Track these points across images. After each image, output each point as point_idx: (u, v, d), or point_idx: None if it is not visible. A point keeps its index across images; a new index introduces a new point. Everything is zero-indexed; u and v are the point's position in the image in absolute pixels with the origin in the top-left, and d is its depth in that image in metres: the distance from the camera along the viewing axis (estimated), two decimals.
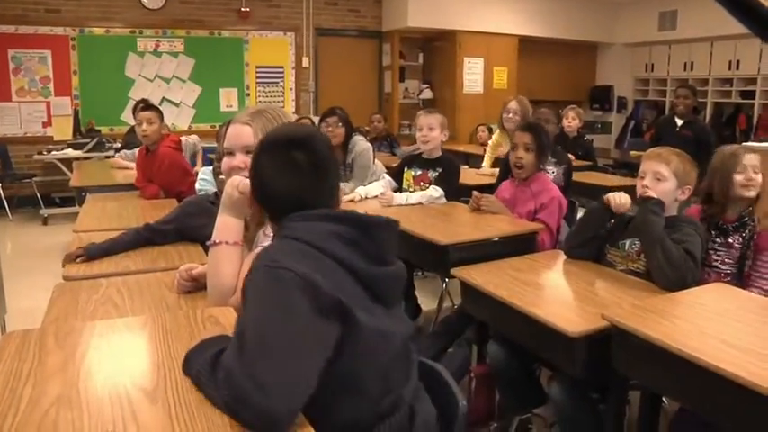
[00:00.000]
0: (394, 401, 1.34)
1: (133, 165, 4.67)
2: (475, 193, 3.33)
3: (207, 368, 1.21)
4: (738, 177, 2.58)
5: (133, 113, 6.32)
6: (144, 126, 4.02)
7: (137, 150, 4.74)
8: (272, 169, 1.43)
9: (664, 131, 5.73)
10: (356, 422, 1.30)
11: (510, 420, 2.65)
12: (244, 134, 1.83)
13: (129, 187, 4.23)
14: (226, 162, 1.88)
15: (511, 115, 5.08)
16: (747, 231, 2.55)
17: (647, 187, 2.46)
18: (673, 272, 2.26)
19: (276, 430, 1.10)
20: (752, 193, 2.56)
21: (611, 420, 2.13)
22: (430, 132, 3.77)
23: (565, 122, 6.00)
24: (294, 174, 1.41)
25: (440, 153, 3.85)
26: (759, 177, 2.57)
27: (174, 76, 8.30)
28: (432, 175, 3.79)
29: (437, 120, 3.81)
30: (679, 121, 5.64)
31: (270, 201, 1.47)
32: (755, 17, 0.46)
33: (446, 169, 3.79)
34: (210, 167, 3.74)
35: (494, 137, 5.55)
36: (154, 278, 2.10)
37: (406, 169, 3.91)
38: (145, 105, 4.55)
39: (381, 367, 1.32)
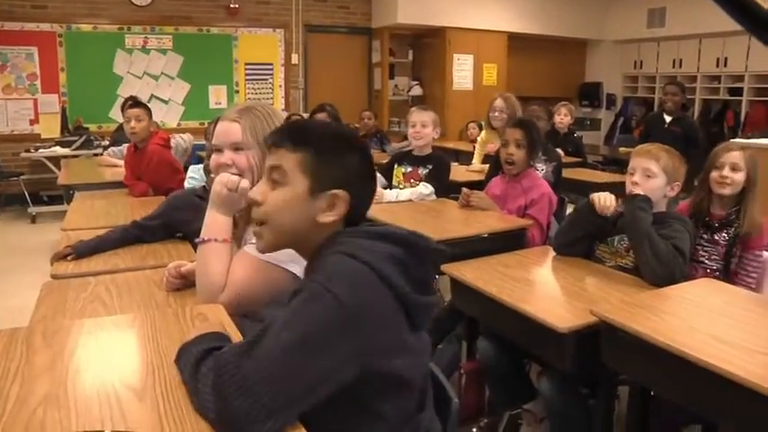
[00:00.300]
0: (412, 428, 1.31)
1: (121, 162, 4.64)
2: (464, 189, 3.34)
3: (193, 360, 1.20)
4: (714, 174, 2.59)
5: (122, 111, 6.32)
6: (132, 123, 4.00)
7: (125, 147, 4.71)
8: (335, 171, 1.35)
9: (653, 128, 5.75)
10: None
11: (500, 416, 2.66)
12: (232, 131, 1.83)
13: (117, 185, 4.20)
14: (214, 159, 1.87)
15: (497, 113, 5.09)
16: (733, 229, 2.56)
17: (636, 184, 2.47)
18: (661, 267, 2.27)
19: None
20: (726, 191, 2.56)
21: (600, 415, 2.15)
22: (422, 129, 3.78)
23: (557, 119, 6.04)
24: (353, 178, 1.36)
25: (430, 150, 3.85)
26: (738, 176, 2.55)
27: (162, 73, 8.26)
28: (422, 171, 3.79)
29: (430, 117, 3.81)
30: (668, 118, 5.67)
31: None
32: (756, 20, 0.47)
33: (436, 166, 3.79)
34: (199, 165, 3.73)
35: (482, 134, 5.54)
36: (143, 276, 2.09)
37: (396, 166, 3.91)
38: (133, 102, 4.52)
39: (404, 401, 1.29)
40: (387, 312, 1.21)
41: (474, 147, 5.80)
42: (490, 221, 3.05)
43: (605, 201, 2.53)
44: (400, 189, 3.77)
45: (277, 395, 1.09)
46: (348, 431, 1.25)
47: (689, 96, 9.34)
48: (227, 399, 1.08)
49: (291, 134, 1.38)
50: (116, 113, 7.42)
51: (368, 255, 1.23)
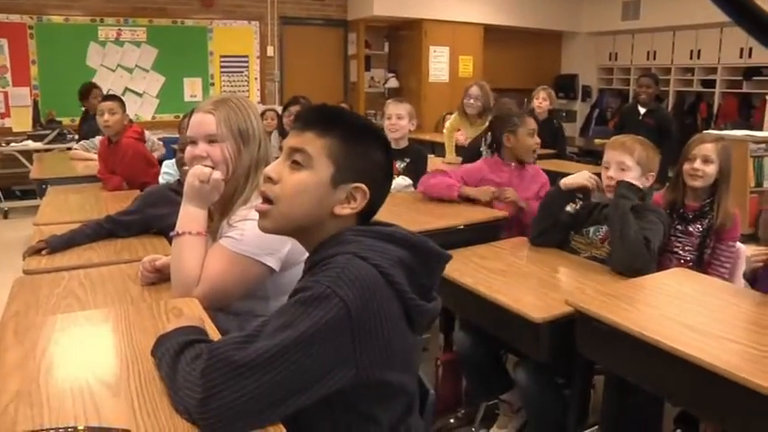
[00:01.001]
0: (403, 430, 1.30)
1: (93, 156, 4.59)
2: (488, 188, 3.21)
3: (172, 351, 1.18)
4: (686, 166, 2.62)
5: (79, 95, 6.26)
6: (106, 116, 3.95)
7: (97, 140, 4.65)
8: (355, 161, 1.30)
9: (627, 119, 5.81)
10: None
11: (477, 407, 2.68)
12: (206, 123, 1.81)
13: (91, 179, 4.15)
14: (188, 151, 1.85)
15: (472, 101, 5.12)
16: (707, 221, 2.59)
17: (611, 178, 2.49)
18: (626, 254, 2.30)
19: (205, 429, 1.07)
20: (697, 183, 2.59)
21: (576, 404, 2.17)
22: (399, 121, 3.77)
23: (535, 103, 5.97)
24: (376, 174, 1.31)
25: (407, 143, 3.85)
26: (709, 168, 2.58)
27: (136, 65, 8.16)
28: (399, 165, 3.78)
29: (405, 109, 3.81)
30: (642, 110, 5.72)
31: None
32: (759, 24, 0.47)
33: (414, 159, 3.79)
34: (172, 160, 3.69)
35: (449, 122, 5.47)
36: (117, 270, 2.07)
37: None
38: (106, 95, 4.47)
39: (396, 405, 1.28)
40: (392, 319, 1.18)
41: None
42: (466, 213, 3.06)
43: (588, 178, 2.55)
44: None
45: (266, 391, 1.07)
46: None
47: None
48: (216, 387, 1.06)
49: (322, 118, 1.32)
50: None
51: (378, 257, 1.19)
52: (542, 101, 5.99)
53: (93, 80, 7.38)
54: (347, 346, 1.12)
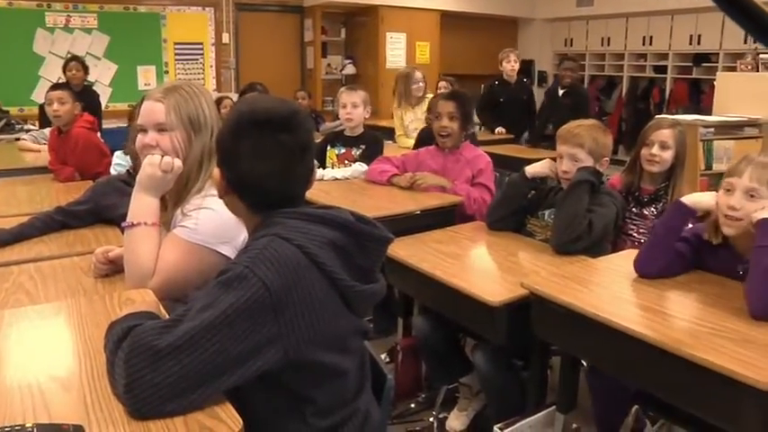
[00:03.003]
0: (348, 413, 1.32)
1: (40, 147, 4.48)
2: (407, 174, 3.30)
3: (116, 338, 1.17)
4: (644, 152, 2.67)
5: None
6: (55, 106, 3.84)
7: (48, 131, 4.53)
8: (253, 155, 1.28)
9: (549, 101, 6.04)
10: None
11: (437, 391, 2.71)
12: (155, 111, 1.77)
13: (41, 170, 4.04)
14: (139, 139, 1.82)
15: (420, 84, 5.27)
16: (662, 204, 2.65)
17: (566, 172, 2.51)
18: (561, 232, 2.35)
19: (134, 413, 1.08)
20: (655, 168, 2.64)
21: (533, 385, 2.21)
22: (354, 110, 3.76)
23: (506, 66, 6.18)
24: (279, 159, 1.28)
25: (362, 130, 3.84)
26: (666, 154, 2.63)
27: (87, 53, 7.95)
28: (355, 152, 3.78)
29: (360, 96, 3.80)
30: (560, 91, 5.91)
31: (251, 192, 1.32)
32: (758, 24, 0.47)
33: (370, 146, 3.79)
34: (122, 151, 3.62)
35: (397, 114, 5.49)
36: (69, 263, 2.02)
37: (329, 147, 3.88)
38: (55, 84, 4.36)
39: (337, 387, 1.29)
40: (317, 298, 1.19)
41: None
42: (422, 198, 3.07)
43: (551, 168, 2.58)
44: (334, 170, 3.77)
45: (190, 372, 1.08)
46: (278, 416, 1.25)
47: (617, 74, 9.63)
48: (138, 372, 1.07)
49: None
50: (39, 96, 7.09)
51: (303, 238, 1.21)
52: (514, 63, 6.19)
53: (42, 68, 7.19)
54: (271, 326, 1.13)
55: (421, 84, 5.25)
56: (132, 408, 1.07)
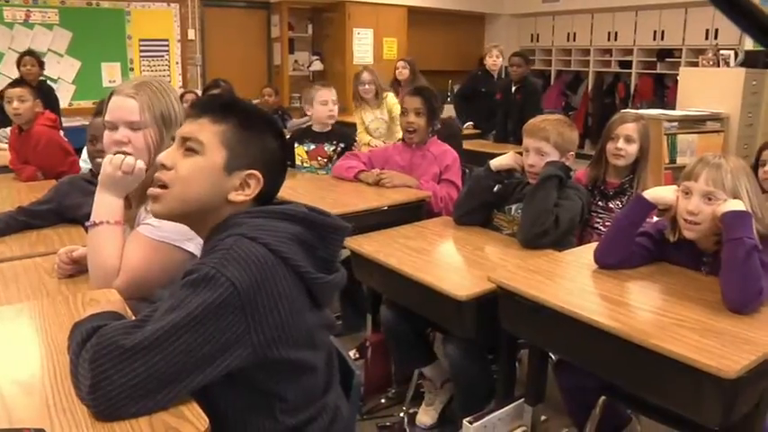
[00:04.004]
0: (317, 409, 1.32)
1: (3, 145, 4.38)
2: (374, 170, 3.29)
3: (80, 338, 1.15)
4: (609, 146, 2.71)
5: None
6: (15, 104, 3.74)
7: (8, 130, 4.44)
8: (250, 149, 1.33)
9: (504, 96, 6.05)
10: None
11: (407, 386, 2.72)
12: (128, 108, 1.74)
13: (3, 169, 3.97)
14: (107, 136, 1.78)
15: (367, 86, 5.21)
16: (626, 197, 2.69)
17: (532, 166, 2.53)
18: (529, 227, 2.38)
19: (99, 416, 1.06)
20: (620, 162, 2.69)
21: (502, 379, 2.23)
22: (334, 106, 3.80)
23: (489, 61, 6.26)
24: (270, 161, 1.35)
25: (329, 126, 3.84)
26: (631, 147, 2.68)
27: (49, 49, 7.80)
28: (328, 148, 3.77)
29: (334, 93, 3.83)
30: (514, 87, 5.95)
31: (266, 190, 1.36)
32: (757, 25, 0.48)
33: (348, 143, 3.82)
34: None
35: (357, 113, 5.47)
36: (32, 264, 1.98)
37: (296, 145, 3.85)
38: (14, 81, 4.26)
39: (306, 384, 1.29)
40: (285, 295, 1.19)
41: None
42: (390, 194, 3.06)
43: (516, 160, 2.59)
44: (305, 167, 3.76)
45: (156, 373, 1.07)
46: (247, 413, 1.24)
47: (583, 69, 9.73)
48: (104, 373, 1.06)
49: (216, 104, 1.35)
50: None
51: (268, 236, 1.21)
52: (496, 58, 6.26)
53: (1, 64, 7.02)
54: (240, 325, 1.13)
55: (368, 86, 5.19)
56: (97, 410, 1.06)
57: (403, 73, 6.17)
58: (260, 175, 1.32)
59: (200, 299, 1.11)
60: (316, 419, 1.31)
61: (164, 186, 1.32)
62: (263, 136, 1.35)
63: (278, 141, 1.38)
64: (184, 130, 1.33)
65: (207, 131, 1.30)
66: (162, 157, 1.33)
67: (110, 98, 1.82)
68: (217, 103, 1.37)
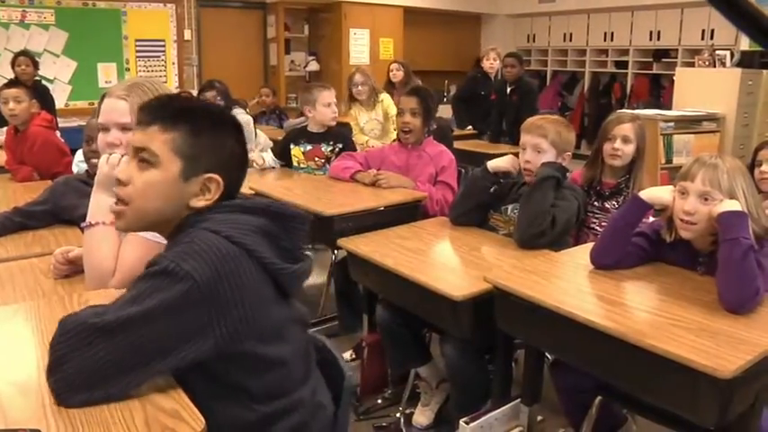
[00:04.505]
0: (291, 403, 1.31)
1: None
2: (371, 171, 3.28)
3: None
4: (606, 146, 2.71)
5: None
6: (11, 105, 3.74)
7: (4, 130, 4.43)
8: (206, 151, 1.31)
9: (499, 97, 6.07)
10: (243, 425, 1.26)
11: (403, 386, 2.72)
12: (119, 110, 1.75)
13: None
14: (101, 138, 1.79)
15: (360, 87, 5.22)
16: (623, 198, 2.69)
17: (528, 162, 2.53)
18: (525, 227, 2.38)
19: (59, 398, 1.09)
20: (617, 162, 2.69)
21: (498, 379, 2.23)
22: (336, 107, 3.81)
23: (486, 64, 6.26)
24: (228, 161, 1.33)
25: (326, 127, 3.83)
26: (628, 147, 2.68)
27: (45, 50, 7.78)
28: (326, 148, 3.76)
29: (334, 94, 3.84)
30: (509, 88, 5.95)
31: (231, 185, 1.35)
32: (755, 25, 0.48)
33: (346, 144, 3.81)
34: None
35: (351, 114, 5.47)
36: (28, 264, 1.98)
37: (292, 145, 3.85)
38: (9, 81, 4.25)
39: (274, 377, 1.28)
40: (249, 287, 1.19)
41: None
42: (386, 194, 3.06)
43: (513, 163, 2.59)
44: (302, 168, 3.76)
45: (113, 361, 1.08)
46: (219, 402, 1.23)
47: (579, 69, 9.74)
48: (64, 357, 1.08)
49: (164, 111, 1.31)
50: None
51: (230, 228, 1.21)
52: (493, 61, 6.24)
53: None
54: (201, 318, 1.13)
55: (361, 87, 5.19)
56: (55, 393, 1.09)
57: (397, 75, 6.17)
58: (219, 178, 1.30)
59: (160, 294, 1.12)
60: (290, 413, 1.30)
61: (124, 202, 1.30)
62: (217, 136, 1.32)
63: (233, 137, 1.35)
64: (136, 141, 1.30)
65: (159, 141, 1.27)
66: (117, 171, 1.32)
67: (102, 100, 1.83)
68: (166, 109, 1.32)
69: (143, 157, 1.28)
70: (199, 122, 1.31)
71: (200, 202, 1.30)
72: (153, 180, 1.28)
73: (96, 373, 1.08)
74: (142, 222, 1.33)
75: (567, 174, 2.59)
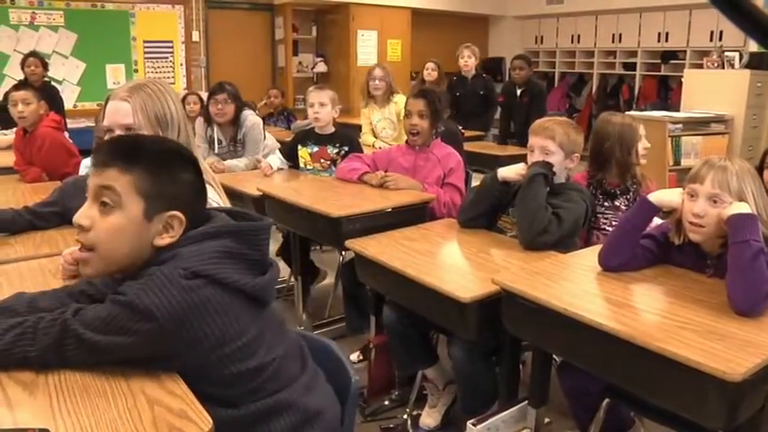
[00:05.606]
0: (276, 404, 1.31)
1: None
2: (378, 172, 3.28)
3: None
4: (640, 147, 2.73)
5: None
6: (20, 107, 3.76)
7: (13, 131, 4.45)
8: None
9: (508, 100, 6.06)
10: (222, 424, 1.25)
11: (410, 388, 2.71)
12: (122, 111, 1.76)
13: (8, 170, 3.97)
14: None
15: (377, 82, 5.16)
16: (632, 194, 2.69)
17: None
18: (527, 228, 2.37)
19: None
20: (644, 161, 2.74)
21: (506, 381, 2.22)
22: (321, 109, 3.75)
23: (460, 62, 6.14)
24: (189, 195, 1.32)
25: (333, 128, 3.83)
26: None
27: (54, 51, 7.83)
28: (331, 150, 3.76)
29: (328, 96, 3.79)
30: (518, 90, 5.94)
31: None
32: (759, 28, 0.48)
33: (352, 146, 3.79)
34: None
35: (364, 113, 5.46)
36: (37, 265, 1.98)
37: (299, 147, 3.85)
38: (17, 84, 4.27)
39: (253, 382, 1.29)
40: (219, 314, 1.20)
41: None
42: (394, 196, 3.05)
43: (513, 170, 2.58)
44: (308, 169, 3.76)
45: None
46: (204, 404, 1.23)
47: (587, 71, 9.73)
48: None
49: (122, 152, 1.29)
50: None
51: (195, 263, 1.21)
52: (467, 59, 6.14)
53: (6, 66, 7.05)
54: (168, 351, 1.20)
55: (379, 82, 5.13)
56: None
57: (432, 74, 6.11)
58: (181, 215, 1.28)
59: (125, 334, 1.17)
60: (276, 414, 1.31)
61: (88, 248, 1.28)
62: (174, 172, 1.30)
63: (191, 171, 1.33)
64: (95, 183, 1.28)
65: (118, 183, 1.25)
66: (78, 217, 1.28)
67: (107, 103, 1.84)
68: (121, 150, 1.30)
69: (105, 201, 1.26)
70: (156, 160, 1.29)
71: (164, 240, 1.28)
72: (117, 223, 1.26)
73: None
74: (111, 268, 1.30)
75: (570, 174, 2.59)
